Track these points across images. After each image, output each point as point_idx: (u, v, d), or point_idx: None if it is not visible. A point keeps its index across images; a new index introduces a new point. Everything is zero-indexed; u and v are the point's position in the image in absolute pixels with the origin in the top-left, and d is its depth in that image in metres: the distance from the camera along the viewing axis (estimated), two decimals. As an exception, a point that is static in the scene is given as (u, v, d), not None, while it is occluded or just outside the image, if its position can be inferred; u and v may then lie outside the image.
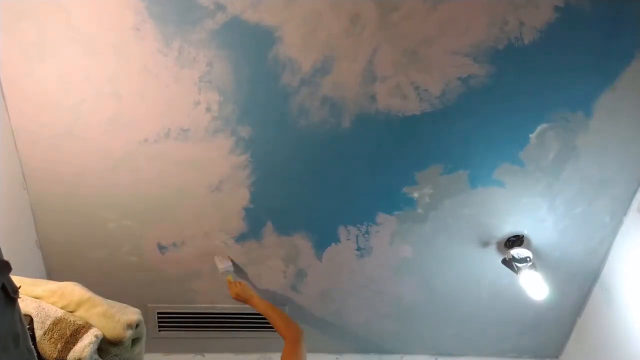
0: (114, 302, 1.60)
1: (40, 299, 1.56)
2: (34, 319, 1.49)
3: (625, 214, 2.32)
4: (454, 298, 2.55)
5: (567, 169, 2.19)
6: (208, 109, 1.98)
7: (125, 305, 1.60)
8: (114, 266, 2.32)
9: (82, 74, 1.87)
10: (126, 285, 2.36)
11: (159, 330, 2.55)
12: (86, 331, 1.48)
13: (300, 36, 1.85)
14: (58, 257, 2.28)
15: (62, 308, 1.55)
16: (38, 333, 1.47)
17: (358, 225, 2.31)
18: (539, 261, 2.39)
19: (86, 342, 1.45)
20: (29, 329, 1.42)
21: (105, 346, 1.53)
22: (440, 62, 1.92)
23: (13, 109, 1.92)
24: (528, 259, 2.31)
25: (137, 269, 2.33)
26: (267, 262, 2.38)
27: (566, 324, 2.67)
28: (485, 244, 2.38)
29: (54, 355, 1.45)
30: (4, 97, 1.90)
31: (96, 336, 1.48)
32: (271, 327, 2.57)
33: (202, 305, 2.49)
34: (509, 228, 2.34)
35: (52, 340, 1.46)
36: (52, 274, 2.30)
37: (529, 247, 2.35)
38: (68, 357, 1.44)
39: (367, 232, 2.32)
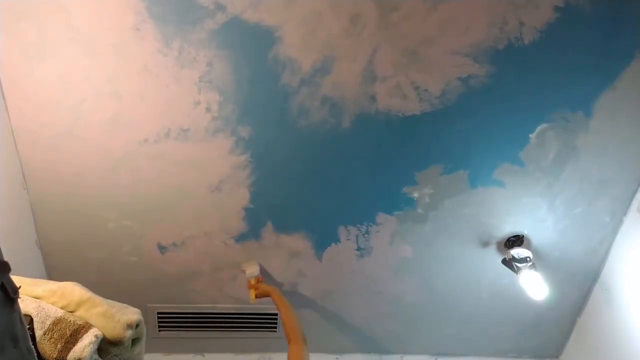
0: (114, 302, 1.60)
1: (40, 299, 1.56)
2: (34, 319, 1.49)
3: (625, 214, 2.32)
4: (454, 298, 2.55)
5: (567, 169, 2.19)
6: (208, 109, 1.98)
7: (125, 305, 1.60)
8: (114, 266, 2.32)
9: (82, 74, 1.87)
10: (126, 285, 2.36)
11: (159, 330, 2.55)
12: (86, 331, 1.48)
13: (300, 36, 1.85)
14: (58, 257, 2.28)
15: (62, 308, 1.55)
16: (38, 333, 1.47)
17: (358, 225, 2.31)
18: (539, 261, 2.39)
19: (86, 342, 1.45)
20: (29, 329, 1.42)
21: (105, 346, 1.53)
22: (440, 62, 1.92)
23: (13, 109, 1.92)
24: (528, 259, 2.31)
25: (137, 269, 2.33)
26: (267, 262, 2.38)
27: (566, 324, 2.67)
28: (485, 244, 2.38)
29: (54, 355, 1.45)
30: (4, 97, 1.90)
31: (96, 336, 1.48)
32: (271, 327, 2.58)
33: (202, 305, 2.49)
34: (509, 228, 2.34)
35: (52, 340, 1.46)
36: (52, 274, 2.30)
37: (529, 247, 2.35)
38: (68, 357, 1.44)
39: (367, 232, 2.32)
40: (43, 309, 1.51)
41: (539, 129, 2.09)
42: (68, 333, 1.47)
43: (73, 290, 1.58)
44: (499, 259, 2.41)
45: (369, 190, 2.21)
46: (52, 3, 1.74)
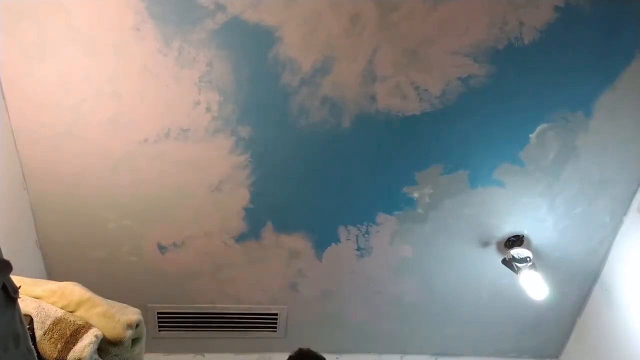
0: (114, 302, 1.60)
1: (40, 299, 1.56)
2: (34, 319, 1.49)
3: (625, 214, 2.32)
4: (454, 298, 2.55)
5: (567, 169, 2.19)
6: (208, 109, 1.98)
7: (125, 305, 1.61)
8: (114, 266, 2.32)
9: (82, 74, 1.87)
10: (126, 285, 2.36)
11: (159, 330, 2.55)
12: (86, 331, 1.48)
13: (300, 36, 1.85)
14: (58, 257, 2.28)
15: (62, 308, 1.55)
16: (38, 333, 1.47)
17: (358, 225, 2.31)
18: (539, 261, 2.39)
19: (86, 342, 1.45)
20: (29, 329, 1.42)
21: (105, 346, 1.53)
22: (440, 62, 1.92)
23: (13, 109, 1.92)
24: (528, 259, 2.31)
25: (137, 269, 2.33)
26: (267, 262, 2.37)
27: (566, 324, 2.67)
28: (485, 244, 2.38)
29: (54, 355, 1.45)
30: (4, 97, 1.90)
31: (96, 336, 1.48)
32: (271, 327, 2.58)
33: (202, 305, 2.49)
34: (509, 228, 2.34)
35: (52, 340, 1.46)
36: (52, 274, 2.30)
37: (529, 247, 2.35)
38: (68, 357, 1.44)
39: (367, 232, 2.32)
40: (43, 309, 1.51)
41: (539, 129, 2.09)
42: (68, 333, 1.47)
43: (73, 290, 1.58)
44: (499, 259, 2.41)
45: (369, 190, 2.21)
46: (52, 3, 1.74)
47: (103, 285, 1.92)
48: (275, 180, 2.15)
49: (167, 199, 2.16)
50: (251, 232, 2.28)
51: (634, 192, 2.27)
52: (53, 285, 1.61)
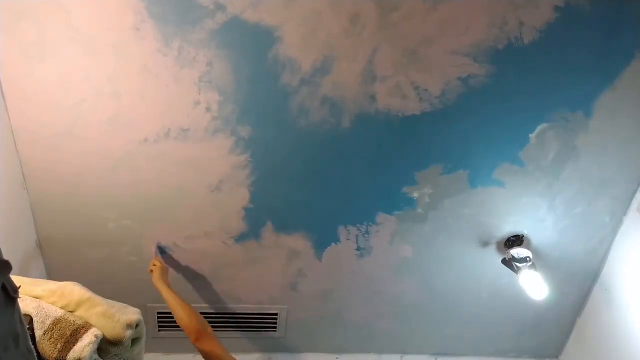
0: (114, 302, 1.60)
1: (40, 299, 1.56)
2: (34, 319, 1.49)
3: (625, 214, 2.32)
4: (454, 298, 2.55)
5: (567, 169, 2.19)
6: (208, 109, 1.98)
7: (125, 305, 1.61)
8: (114, 266, 2.32)
9: (82, 74, 1.87)
10: (126, 285, 2.36)
11: (159, 330, 2.55)
12: (86, 331, 1.48)
13: (300, 36, 1.85)
14: (58, 257, 2.28)
15: (62, 308, 1.55)
16: (38, 333, 1.47)
17: (358, 225, 2.31)
18: (539, 261, 2.39)
19: (86, 342, 1.46)
20: (29, 329, 1.42)
21: (105, 346, 1.53)
22: (440, 62, 1.92)
23: (13, 109, 1.92)
24: (528, 259, 2.31)
25: (137, 269, 2.33)
26: (267, 262, 2.37)
27: (566, 324, 2.67)
28: (485, 244, 2.38)
29: (54, 355, 1.45)
30: (4, 97, 1.90)
31: (96, 336, 1.48)
32: (271, 327, 2.58)
33: (202, 305, 2.49)
34: (509, 228, 2.34)
35: (52, 340, 1.46)
36: (52, 274, 2.30)
37: (529, 247, 2.35)
38: (68, 357, 1.44)
39: (367, 232, 2.32)
40: (43, 309, 1.51)
41: (539, 129, 2.09)
42: (68, 333, 1.47)
43: (73, 290, 1.58)
44: (499, 259, 2.41)
45: (369, 190, 2.21)
46: (52, 3, 1.74)
47: (103, 285, 1.92)
48: (275, 180, 2.15)
49: (167, 199, 2.16)
50: (251, 232, 2.28)
51: (634, 192, 2.27)
52: (53, 285, 1.61)
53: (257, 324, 2.57)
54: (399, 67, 1.93)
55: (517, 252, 2.32)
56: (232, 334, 2.59)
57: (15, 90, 1.89)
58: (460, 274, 2.47)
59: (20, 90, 1.89)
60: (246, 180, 2.14)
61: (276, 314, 2.54)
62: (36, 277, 2.08)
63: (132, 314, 1.57)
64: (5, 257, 1.03)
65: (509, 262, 2.35)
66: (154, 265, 2.16)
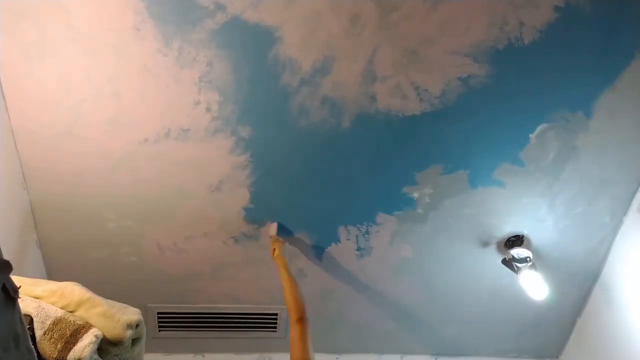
0: (114, 302, 1.60)
1: (40, 299, 1.56)
2: (34, 319, 1.49)
3: (625, 214, 2.32)
4: (454, 298, 2.55)
5: (567, 169, 2.19)
6: (208, 109, 1.98)
7: (125, 305, 1.60)
8: (114, 266, 2.32)
9: (82, 74, 1.87)
10: (126, 285, 2.36)
11: (159, 330, 2.55)
12: (86, 331, 1.48)
13: (300, 36, 1.85)
14: (58, 257, 2.28)
15: (62, 308, 1.55)
16: (38, 333, 1.47)
17: (358, 225, 2.31)
18: (539, 261, 2.39)
19: (86, 342, 1.45)
20: (29, 329, 1.42)
21: (105, 346, 1.53)
22: (440, 62, 1.92)
23: (13, 109, 1.92)
24: (528, 259, 2.31)
25: (137, 269, 2.33)
26: (267, 262, 2.37)
27: (566, 324, 2.67)
28: (485, 244, 2.38)
29: (54, 355, 1.45)
30: (4, 97, 1.90)
31: (96, 336, 1.48)
32: (271, 327, 2.58)
33: (202, 305, 2.49)
34: (509, 228, 2.34)
35: (52, 340, 1.46)
36: (52, 274, 2.30)
37: (529, 247, 2.35)
38: (68, 357, 1.44)
39: (367, 232, 2.32)
40: (43, 309, 1.51)
41: (539, 129, 2.09)
42: (68, 333, 1.47)
43: (73, 290, 1.58)
44: (499, 259, 2.41)
45: (369, 190, 2.21)
46: (52, 3, 1.74)
47: (103, 285, 1.92)
48: (275, 180, 2.15)
49: (167, 199, 2.16)
50: (251, 232, 2.28)
51: (634, 192, 2.27)
52: (53, 285, 1.61)
53: (257, 324, 2.57)
54: (399, 67, 1.93)
55: (517, 252, 2.32)
56: (232, 334, 2.59)
57: (15, 90, 1.89)
58: (460, 274, 2.47)
59: (20, 90, 1.89)
60: (246, 180, 2.14)
61: (276, 314, 2.54)
62: (36, 277, 2.07)
63: (132, 314, 1.57)
64: (5, 257, 1.03)
65: (509, 262, 2.35)
66: (276, 242, 2.18)
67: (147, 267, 2.33)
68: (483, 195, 2.23)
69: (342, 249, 2.36)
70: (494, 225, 2.33)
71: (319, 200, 2.23)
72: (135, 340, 1.60)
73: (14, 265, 1.03)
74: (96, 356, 1.49)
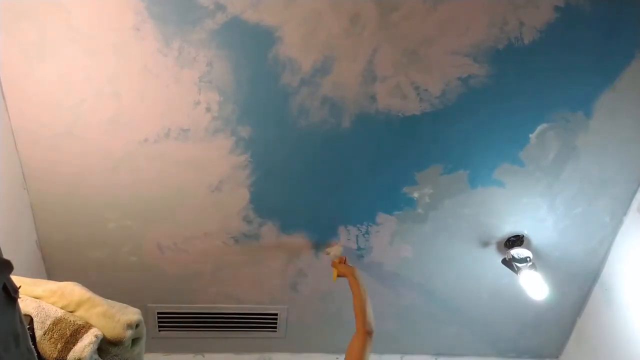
0: (114, 302, 1.60)
1: (40, 299, 1.56)
2: (34, 319, 1.49)
3: (625, 214, 2.32)
4: (454, 298, 2.55)
5: (567, 169, 2.19)
6: (208, 109, 1.98)
7: (125, 305, 1.60)
8: (114, 266, 2.32)
9: (82, 74, 1.87)
10: (126, 285, 2.36)
11: (159, 330, 2.55)
12: (86, 331, 1.48)
13: (300, 36, 1.85)
14: (58, 257, 2.28)
15: (62, 308, 1.54)
16: (38, 333, 1.47)
17: (358, 225, 2.31)
18: (539, 261, 2.39)
19: (86, 342, 1.45)
20: (29, 329, 1.42)
21: (105, 346, 1.53)
22: (440, 62, 1.92)
23: (13, 109, 1.92)
24: (528, 259, 2.31)
25: (137, 269, 2.33)
26: (267, 262, 2.38)
27: (566, 324, 2.67)
28: (485, 244, 2.38)
29: (54, 355, 1.45)
30: (4, 97, 1.90)
31: (96, 336, 1.48)
32: (271, 327, 2.58)
33: (202, 305, 2.49)
34: (509, 228, 2.34)
35: (52, 340, 1.46)
36: (52, 274, 2.30)
37: (529, 247, 2.35)
38: (68, 357, 1.44)
39: (367, 232, 2.32)
40: (43, 309, 1.51)
41: (539, 129, 2.09)
42: (68, 333, 1.47)
43: (73, 290, 1.58)
44: (499, 259, 2.41)
45: (369, 190, 2.21)
46: (52, 3, 1.74)
47: (103, 285, 1.92)
48: (275, 180, 2.15)
49: (167, 199, 2.16)
50: (251, 232, 2.28)
51: (634, 192, 2.27)
52: (53, 285, 1.60)
53: (257, 324, 2.57)
54: (399, 67, 1.93)
55: (517, 252, 2.32)
56: (232, 334, 2.59)
57: (15, 90, 1.89)
58: (460, 274, 2.47)
59: (20, 90, 1.89)
60: (246, 180, 2.14)
61: (276, 314, 2.54)
62: (36, 277, 2.07)
63: (132, 314, 1.57)
64: (5, 257, 1.03)
65: (509, 262, 2.35)
66: (339, 263, 2.21)
67: (147, 267, 2.33)
68: (483, 195, 2.23)
69: (342, 249, 2.36)
70: (494, 225, 2.33)
71: (319, 200, 2.23)
72: (135, 340, 1.60)
73: (14, 265, 1.03)
74: (96, 356, 1.49)
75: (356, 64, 1.92)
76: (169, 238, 2.28)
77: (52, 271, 2.30)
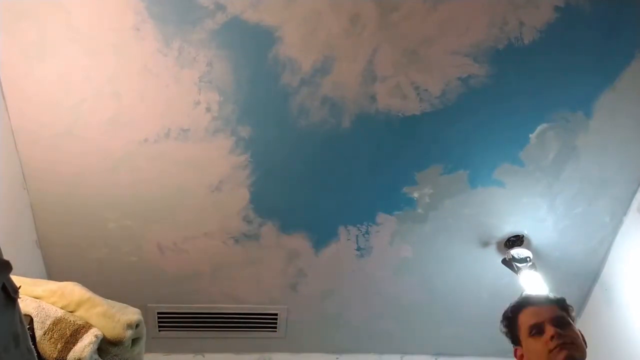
0: (114, 302, 1.60)
1: (40, 299, 1.56)
2: (34, 319, 1.48)
3: (625, 214, 2.32)
4: (454, 298, 2.55)
5: (567, 169, 2.19)
6: (208, 109, 1.97)
7: (125, 305, 1.60)
8: (114, 266, 2.31)
9: (82, 74, 1.87)
10: (126, 285, 2.36)
11: (159, 330, 2.54)
12: (86, 331, 1.48)
13: (300, 36, 1.85)
14: (58, 257, 2.27)
15: (62, 308, 1.54)
16: (38, 333, 1.47)
17: (358, 225, 2.31)
18: (539, 261, 2.39)
19: (86, 342, 1.45)
20: (29, 329, 1.42)
21: (105, 346, 1.52)
22: (440, 62, 1.92)
23: (13, 109, 1.92)
24: (528, 259, 2.31)
25: (137, 269, 2.33)
26: (267, 262, 2.37)
27: (566, 324, 2.67)
28: (485, 244, 2.38)
29: (54, 355, 1.44)
30: (4, 97, 1.90)
31: (96, 336, 1.48)
32: (271, 327, 2.58)
33: (202, 305, 2.49)
34: (509, 228, 2.34)
35: (52, 340, 1.46)
36: (52, 274, 2.29)
37: (529, 247, 2.35)
38: (68, 357, 1.44)
39: (367, 232, 2.32)
40: (43, 309, 1.51)
41: (539, 129, 2.09)
42: (68, 333, 1.47)
43: (73, 290, 1.58)
44: (499, 259, 2.40)
45: (369, 190, 2.21)
46: (52, 3, 1.74)
47: (103, 285, 1.92)
48: (275, 180, 2.15)
49: (167, 199, 2.16)
50: (251, 232, 2.28)
51: (634, 192, 2.27)
52: (53, 285, 1.60)
53: (257, 324, 2.57)
54: (399, 67, 1.93)
55: (517, 252, 2.32)
56: (232, 334, 2.59)
57: (15, 90, 1.89)
58: (460, 274, 2.47)
59: (20, 90, 1.89)
60: (246, 180, 2.14)
61: (276, 314, 2.54)
62: (36, 277, 2.07)
63: (132, 314, 1.57)
64: (5, 257, 1.03)
65: (509, 262, 2.35)
66: None
67: (147, 267, 2.33)
68: (483, 195, 2.23)
69: (342, 249, 2.36)
70: (494, 225, 2.33)
71: (319, 200, 2.23)
72: (135, 340, 1.60)
73: (14, 265, 1.03)
74: (96, 356, 1.49)
75: (356, 64, 1.92)
76: (169, 238, 2.27)
77: (52, 271, 2.30)
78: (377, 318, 2.61)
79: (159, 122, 1.99)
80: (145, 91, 1.92)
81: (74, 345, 1.45)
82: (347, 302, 2.55)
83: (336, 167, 2.14)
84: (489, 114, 2.04)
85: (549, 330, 1.46)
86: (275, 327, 2.58)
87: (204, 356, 2.65)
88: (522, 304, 1.59)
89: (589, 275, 2.50)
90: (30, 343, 1.15)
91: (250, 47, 1.87)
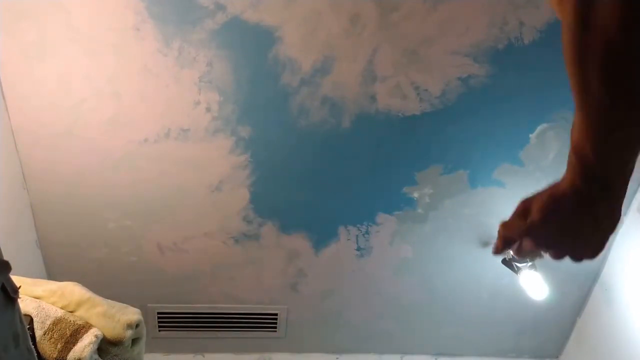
0: (114, 302, 1.60)
1: (40, 299, 1.56)
2: (34, 319, 1.49)
3: (625, 214, 2.32)
4: (454, 298, 2.55)
5: (567, 169, 2.18)
6: (208, 109, 1.97)
7: (125, 305, 1.60)
8: (114, 266, 2.32)
9: (82, 74, 1.87)
10: (126, 285, 2.36)
11: (159, 330, 2.54)
12: (86, 331, 1.48)
13: (300, 36, 1.85)
14: (58, 257, 2.28)
15: (62, 308, 1.54)
16: (38, 333, 1.47)
17: (358, 225, 2.31)
18: (539, 261, 2.39)
19: (86, 342, 1.45)
20: (29, 329, 1.42)
21: (105, 346, 1.53)
22: (440, 62, 1.92)
23: (13, 109, 1.92)
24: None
25: (137, 269, 2.33)
26: (267, 262, 2.37)
27: (566, 324, 2.67)
28: (485, 244, 2.38)
29: (54, 355, 1.45)
30: (4, 97, 1.90)
31: (96, 336, 1.48)
32: (271, 327, 2.58)
33: (202, 305, 2.49)
34: (509, 228, 2.33)
35: (52, 340, 1.46)
36: (52, 274, 2.30)
37: (529, 247, 2.35)
38: (68, 357, 1.44)
39: (367, 232, 2.32)
40: (43, 309, 1.51)
41: (539, 129, 2.09)
42: (68, 333, 1.47)
43: (73, 290, 1.58)
44: (499, 259, 2.40)
45: (369, 190, 2.21)
46: (52, 3, 1.74)
47: (103, 285, 1.92)
48: (275, 180, 2.15)
49: (167, 199, 2.16)
50: (251, 232, 2.28)
51: (634, 192, 2.27)
52: (53, 285, 1.60)
53: (257, 324, 2.57)
54: (399, 67, 1.93)
55: (517, 252, 2.32)
56: (232, 333, 2.59)
57: (15, 90, 1.89)
58: (460, 274, 2.47)
59: (20, 90, 1.89)
60: (246, 180, 2.14)
61: (276, 314, 2.54)
62: (36, 277, 2.07)
63: (132, 314, 1.57)
64: (5, 257, 1.03)
65: (509, 262, 2.35)
66: None
67: (147, 267, 2.33)
68: (483, 195, 2.23)
69: (342, 249, 2.36)
70: (494, 225, 2.31)
71: (319, 200, 2.23)
72: (135, 340, 1.60)
73: (13, 265, 1.03)
74: (96, 356, 1.49)
75: (356, 64, 1.92)
76: (169, 238, 2.27)
77: (52, 271, 2.30)
78: (377, 318, 2.61)
79: (159, 122, 1.99)
80: (145, 91, 1.92)
81: (74, 345, 1.45)
82: (347, 302, 2.55)
83: (336, 167, 2.14)
84: (489, 114, 2.04)
85: None
86: (275, 327, 2.58)
87: (203, 356, 2.65)
88: None
89: (589, 275, 2.50)
90: (30, 343, 1.15)
91: (250, 47, 1.87)
